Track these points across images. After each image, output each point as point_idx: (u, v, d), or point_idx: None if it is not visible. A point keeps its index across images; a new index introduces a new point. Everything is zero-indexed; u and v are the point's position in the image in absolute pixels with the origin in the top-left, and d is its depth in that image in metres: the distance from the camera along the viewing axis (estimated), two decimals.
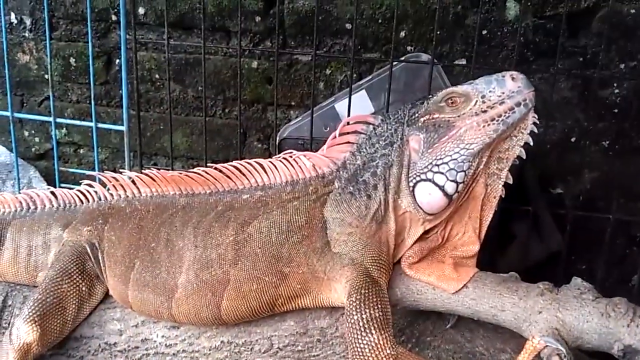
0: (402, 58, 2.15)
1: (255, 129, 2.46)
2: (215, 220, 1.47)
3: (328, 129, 2.03)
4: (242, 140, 2.44)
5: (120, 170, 1.66)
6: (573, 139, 2.28)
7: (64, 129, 2.59)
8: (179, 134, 2.50)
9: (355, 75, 2.25)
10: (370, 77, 2.16)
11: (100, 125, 2.10)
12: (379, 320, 1.24)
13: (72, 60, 2.50)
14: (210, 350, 1.52)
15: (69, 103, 2.57)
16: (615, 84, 2.20)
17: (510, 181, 1.37)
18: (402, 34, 2.25)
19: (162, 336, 1.54)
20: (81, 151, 2.66)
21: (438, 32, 2.13)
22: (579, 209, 1.96)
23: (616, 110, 2.23)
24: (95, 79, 2.45)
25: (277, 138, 2.11)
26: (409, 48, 2.27)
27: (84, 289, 1.53)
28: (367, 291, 1.28)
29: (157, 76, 2.45)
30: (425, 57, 2.13)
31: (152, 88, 2.48)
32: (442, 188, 1.32)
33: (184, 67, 2.41)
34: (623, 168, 2.18)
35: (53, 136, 2.16)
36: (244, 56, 2.33)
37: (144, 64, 2.44)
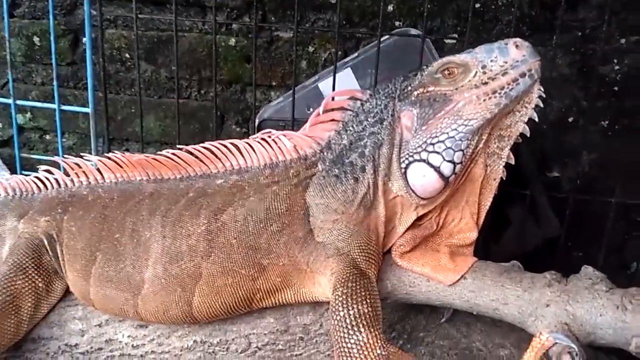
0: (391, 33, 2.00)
1: (234, 111, 2.31)
2: (185, 208, 1.33)
3: (311, 109, 1.89)
4: (220, 124, 2.29)
5: (82, 154, 1.50)
6: (571, 119, 2.15)
7: (29, 113, 2.42)
8: (152, 118, 2.34)
9: (340, 52, 2.10)
10: (356, 54, 2.02)
11: (64, 107, 1.94)
12: (367, 316, 1.11)
13: (35, 39, 2.32)
14: (181, 350, 1.38)
15: (34, 85, 2.40)
16: (615, 60, 2.08)
17: (512, 161, 1.24)
18: (390, 7, 2.11)
19: (128, 336, 1.40)
20: (47, 137, 2.49)
21: (428, 6, 1.98)
22: (577, 193, 1.84)
23: (616, 88, 2.10)
24: (61, 59, 2.29)
25: (257, 120, 1.97)
26: (397, 23, 2.13)
27: (40, 285, 1.39)
28: (354, 284, 1.15)
29: (127, 55, 2.29)
30: (414, 32, 1.99)
31: (122, 68, 2.32)
32: (437, 169, 1.19)
33: (156, 46, 2.25)
34: (623, 149, 2.05)
35: (13, 120, 1.99)
36: (220, 33, 2.18)
37: (112, 42, 2.27)
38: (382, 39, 1.78)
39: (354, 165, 1.25)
